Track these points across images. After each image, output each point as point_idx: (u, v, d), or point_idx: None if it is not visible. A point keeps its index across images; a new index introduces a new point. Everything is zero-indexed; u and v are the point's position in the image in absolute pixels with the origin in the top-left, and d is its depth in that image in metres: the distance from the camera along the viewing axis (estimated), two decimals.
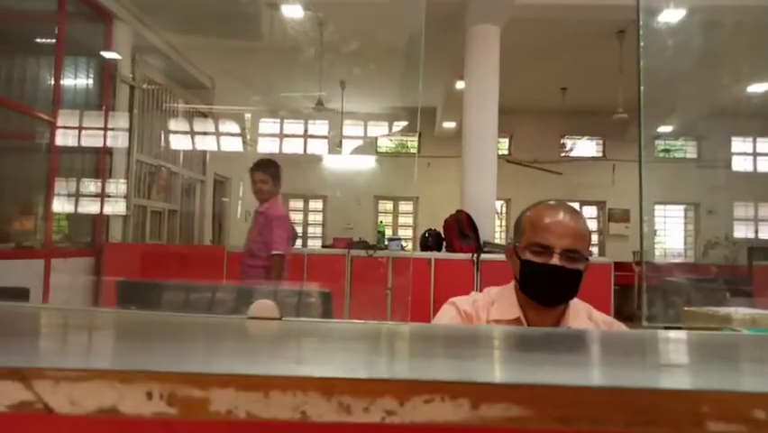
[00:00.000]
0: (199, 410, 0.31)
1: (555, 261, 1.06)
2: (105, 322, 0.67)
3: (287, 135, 10.14)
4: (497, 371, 0.37)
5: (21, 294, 1.82)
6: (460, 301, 1.19)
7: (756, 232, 9.85)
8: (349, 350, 0.51)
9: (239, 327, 0.64)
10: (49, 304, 4.36)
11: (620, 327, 1.17)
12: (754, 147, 10.03)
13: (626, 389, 0.31)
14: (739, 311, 2.57)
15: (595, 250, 10.53)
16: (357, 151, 10.46)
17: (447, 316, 1.17)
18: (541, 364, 0.39)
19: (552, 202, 1.17)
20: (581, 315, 1.15)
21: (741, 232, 9.69)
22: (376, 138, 10.48)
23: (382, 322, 0.64)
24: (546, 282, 1.08)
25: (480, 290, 1.25)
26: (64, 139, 5.00)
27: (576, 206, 1.16)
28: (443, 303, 1.22)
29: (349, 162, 10.31)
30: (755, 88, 7.39)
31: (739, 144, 10.04)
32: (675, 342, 0.63)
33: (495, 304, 1.17)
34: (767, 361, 0.50)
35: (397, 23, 4.77)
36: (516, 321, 1.13)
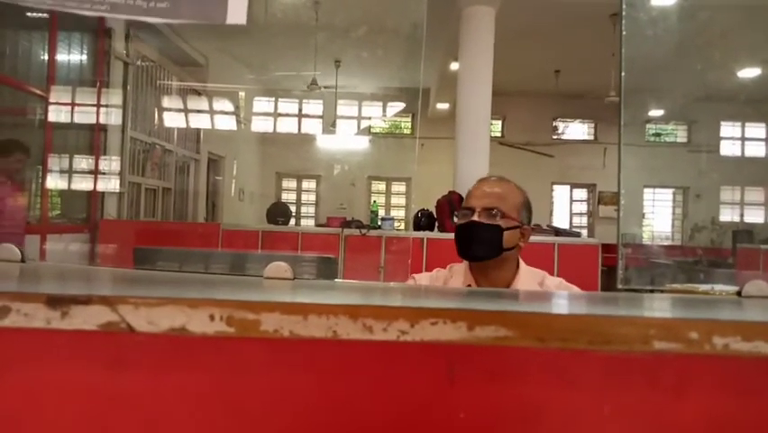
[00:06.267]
0: (252, 330, 0.39)
1: (474, 218, 1.17)
2: (136, 277, 0.74)
3: (281, 114, 10.11)
4: (485, 303, 0.45)
5: None
6: (419, 276, 1.31)
7: (741, 216, 10.00)
8: (361, 296, 0.59)
9: (257, 284, 0.72)
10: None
11: (571, 287, 1.24)
12: (743, 132, 10.14)
13: (589, 315, 0.39)
14: (717, 288, 2.70)
15: (584, 232, 10.66)
16: (351, 131, 10.46)
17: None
18: (518, 299, 0.47)
19: (486, 176, 1.30)
20: (532, 281, 1.24)
21: (727, 216, 9.85)
22: (370, 118, 10.47)
23: (386, 282, 0.71)
24: (468, 238, 1.18)
25: None
26: (57, 115, 4.98)
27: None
28: None
29: (342, 142, 10.32)
30: (746, 73, 7.46)
31: (728, 129, 10.14)
32: (631, 297, 0.72)
33: (453, 277, 1.27)
34: (710, 303, 0.58)
35: (395, 2, 4.78)
36: None
